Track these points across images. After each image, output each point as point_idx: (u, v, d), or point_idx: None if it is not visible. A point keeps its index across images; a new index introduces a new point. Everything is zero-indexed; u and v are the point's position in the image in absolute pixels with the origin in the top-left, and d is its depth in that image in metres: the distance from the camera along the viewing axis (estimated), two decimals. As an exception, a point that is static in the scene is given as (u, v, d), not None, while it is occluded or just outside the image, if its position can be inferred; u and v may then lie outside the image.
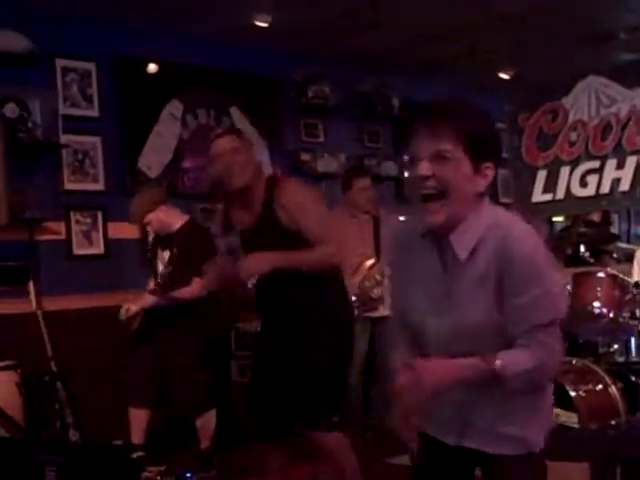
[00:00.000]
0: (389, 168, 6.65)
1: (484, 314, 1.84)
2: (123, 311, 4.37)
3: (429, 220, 1.83)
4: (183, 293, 4.25)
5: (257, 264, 2.93)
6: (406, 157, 1.89)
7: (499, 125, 4.45)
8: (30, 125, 4.79)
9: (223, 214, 3.24)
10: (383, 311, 4.92)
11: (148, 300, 4.33)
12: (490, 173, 1.84)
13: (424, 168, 1.79)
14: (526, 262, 1.80)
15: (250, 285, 3.29)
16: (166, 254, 4.40)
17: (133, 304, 4.38)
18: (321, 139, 6.38)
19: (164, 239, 4.42)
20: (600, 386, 3.72)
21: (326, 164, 6.16)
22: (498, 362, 1.80)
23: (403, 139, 6.91)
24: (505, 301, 1.82)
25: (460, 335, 1.87)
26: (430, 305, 1.93)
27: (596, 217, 6.25)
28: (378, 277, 4.81)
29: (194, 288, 4.22)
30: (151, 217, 4.37)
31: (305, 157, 6.19)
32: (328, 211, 3.36)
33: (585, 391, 3.66)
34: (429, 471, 2.15)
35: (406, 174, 1.88)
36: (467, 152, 1.80)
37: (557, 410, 3.57)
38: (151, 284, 4.45)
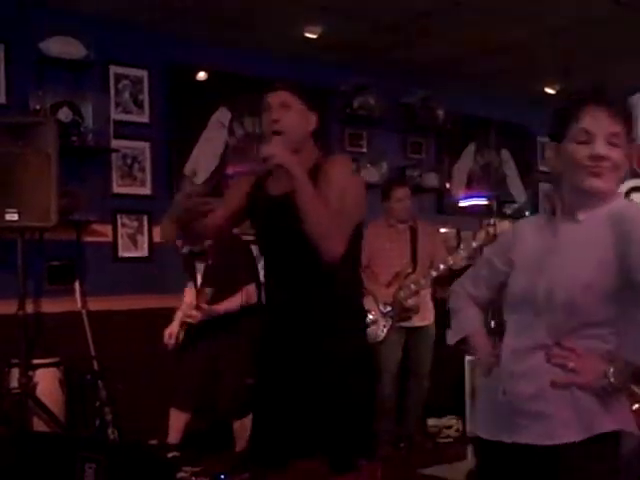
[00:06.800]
0: (431, 179, 6.64)
1: (595, 271, 1.82)
2: (166, 337, 4.46)
3: (595, 184, 1.86)
4: (229, 305, 4.37)
5: (279, 150, 2.46)
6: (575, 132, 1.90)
7: (544, 140, 4.46)
8: (82, 129, 4.88)
9: (256, 176, 2.79)
10: (417, 322, 4.95)
11: (197, 316, 4.40)
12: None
13: (602, 148, 1.84)
14: None
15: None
16: (202, 265, 4.50)
17: (172, 327, 4.47)
18: (364, 149, 6.42)
19: (200, 251, 4.50)
20: (637, 405, 3.69)
21: (368, 174, 6.18)
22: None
23: (447, 150, 6.92)
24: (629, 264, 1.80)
25: (560, 294, 1.84)
26: (534, 263, 1.93)
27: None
28: (413, 287, 4.81)
29: (239, 299, 4.35)
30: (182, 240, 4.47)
31: (348, 167, 6.22)
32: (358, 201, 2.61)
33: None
34: None
35: (575, 149, 1.88)
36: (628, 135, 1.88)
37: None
38: (189, 293, 4.55)
